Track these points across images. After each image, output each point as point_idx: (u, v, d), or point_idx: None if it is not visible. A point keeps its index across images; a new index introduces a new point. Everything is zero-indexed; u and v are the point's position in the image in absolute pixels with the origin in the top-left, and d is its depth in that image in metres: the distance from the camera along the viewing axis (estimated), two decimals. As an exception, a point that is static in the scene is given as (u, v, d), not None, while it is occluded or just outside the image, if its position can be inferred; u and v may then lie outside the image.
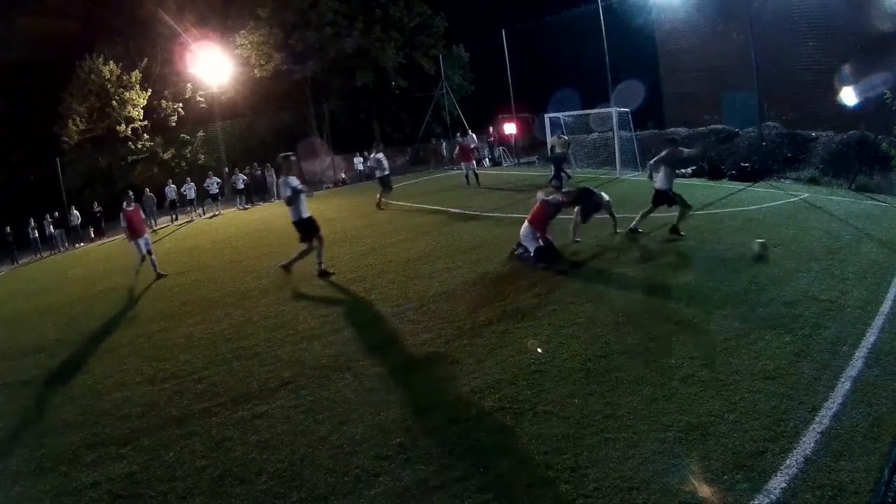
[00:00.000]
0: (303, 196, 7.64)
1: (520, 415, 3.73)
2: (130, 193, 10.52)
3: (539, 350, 4.67)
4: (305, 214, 7.68)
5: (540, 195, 7.54)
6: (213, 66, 23.03)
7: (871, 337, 4.31)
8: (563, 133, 16.39)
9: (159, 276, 9.85)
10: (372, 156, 15.24)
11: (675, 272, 6.38)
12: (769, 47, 14.90)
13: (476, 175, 16.14)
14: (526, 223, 7.36)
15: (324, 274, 7.96)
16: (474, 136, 22.48)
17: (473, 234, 9.47)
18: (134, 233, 9.76)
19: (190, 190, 20.15)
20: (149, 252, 9.84)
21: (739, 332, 4.59)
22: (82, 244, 19.03)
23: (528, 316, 5.50)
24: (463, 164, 16.41)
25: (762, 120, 14.61)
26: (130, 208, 9.88)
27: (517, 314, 5.58)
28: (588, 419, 3.58)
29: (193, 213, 20.51)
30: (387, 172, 14.52)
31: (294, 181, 7.58)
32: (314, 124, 27.48)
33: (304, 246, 7.89)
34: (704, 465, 3.01)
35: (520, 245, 7.49)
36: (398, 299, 6.53)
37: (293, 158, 7.91)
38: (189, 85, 24.75)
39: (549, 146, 15.97)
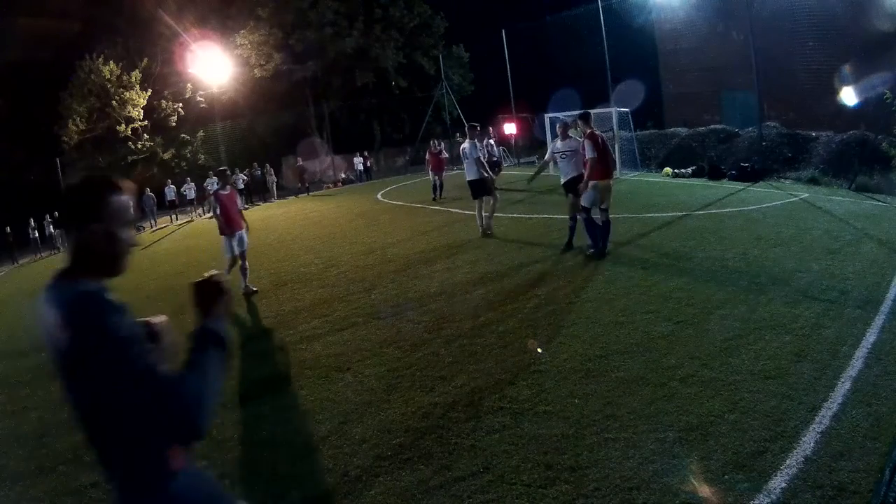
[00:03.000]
0: (479, 160, 9.09)
1: (520, 415, 3.73)
2: (226, 171, 8.10)
3: (539, 350, 4.67)
4: (479, 176, 9.11)
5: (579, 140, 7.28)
6: (213, 66, 23.07)
7: (871, 337, 4.30)
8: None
9: (249, 292, 7.51)
10: (484, 142, 14.68)
11: (675, 272, 6.38)
12: (769, 47, 14.90)
13: (441, 187, 14.68)
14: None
15: (487, 234, 9.23)
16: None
17: (473, 235, 9.46)
18: (230, 225, 7.38)
19: (190, 190, 20.18)
20: (242, 255, 7.47)
21: (739, 332, 4.58)
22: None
23: (528, 316, 5.50)
24: (431, 174, 14.82)
25: (762, 120, 14.62)
26: (226, 192, 7.52)
27: (517, 314, 5.58)
28: (588, 419, 3.57)
29: (193, 212, 20.52)
30: (495, 158, 14.74)
31: (478, 150, 9.21)
32: (314, 124, 27.52)
33: (476, 202, 9.39)
34: (704, 465, 3.01)
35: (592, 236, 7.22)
36: (398, 299, 6.53)
37: (478, 129, 9.73)
38: (189, 85, 24.79)
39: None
